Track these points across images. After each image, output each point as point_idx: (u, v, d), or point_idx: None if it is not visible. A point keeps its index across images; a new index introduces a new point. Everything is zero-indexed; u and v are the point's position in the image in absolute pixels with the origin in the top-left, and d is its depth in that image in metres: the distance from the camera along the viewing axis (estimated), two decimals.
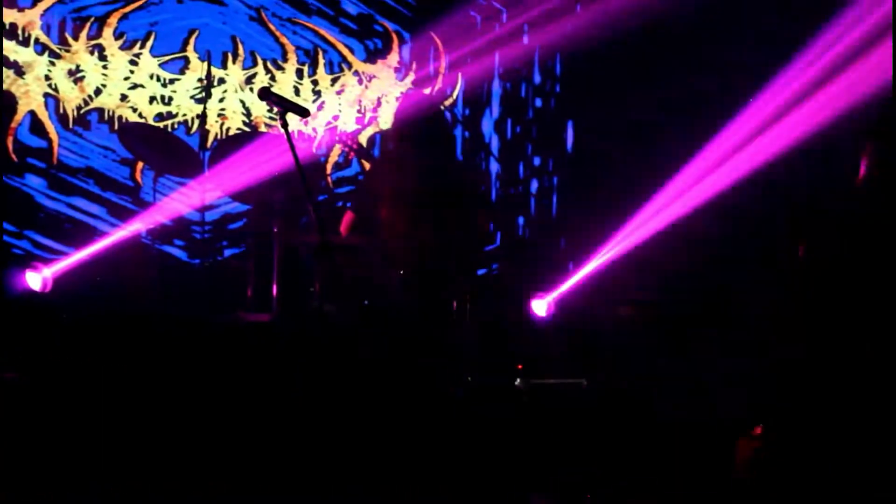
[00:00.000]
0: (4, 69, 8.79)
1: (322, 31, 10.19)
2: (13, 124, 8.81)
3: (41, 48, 8.93)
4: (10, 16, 8.79)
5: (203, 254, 7.93)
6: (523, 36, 11.33)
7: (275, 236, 7.89)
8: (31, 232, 8.87)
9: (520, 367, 8.76)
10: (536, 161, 11.35)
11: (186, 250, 9.39)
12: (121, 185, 9.25)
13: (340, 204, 8.50)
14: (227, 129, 9.65)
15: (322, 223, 5.76)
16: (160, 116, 9.38)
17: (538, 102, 11.42)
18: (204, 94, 8.35)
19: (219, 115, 9.64)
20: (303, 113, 5.90)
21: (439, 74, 9.04)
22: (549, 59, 11.47)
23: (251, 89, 9.79)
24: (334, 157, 9.02)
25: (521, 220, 11.08)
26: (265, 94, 5.81)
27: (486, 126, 11.02)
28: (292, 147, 5.68)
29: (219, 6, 9.68)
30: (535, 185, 11.18)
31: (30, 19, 8.88)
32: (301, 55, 10.10)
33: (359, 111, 10.39)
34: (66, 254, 8.84)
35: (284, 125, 5.66)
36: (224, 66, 9.68)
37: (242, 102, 9.78)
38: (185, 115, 9.52)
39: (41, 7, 8.93)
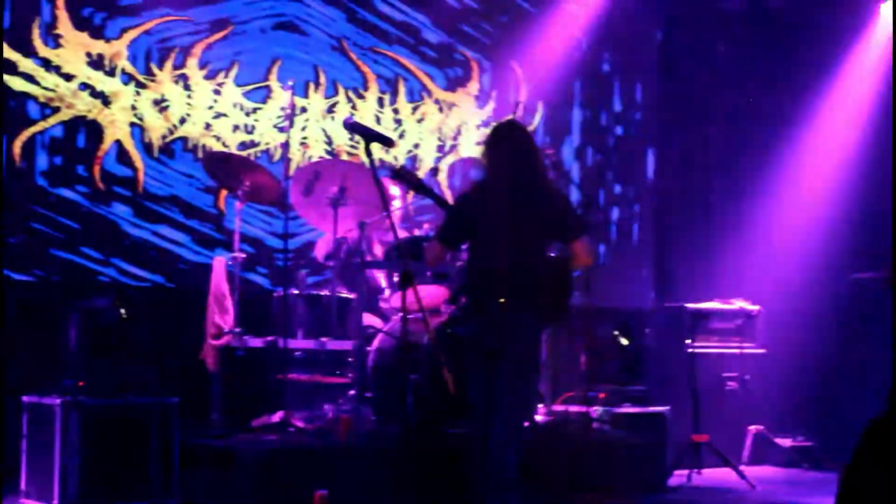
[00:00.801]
0: (92, 99, 8.92)
1: (403, 60, 10.25)
2: (100, 153, 8.92)
3: (127, 78, 9.05)
4: (97, 47, 8.92)
5: (284, 281, 7.95)
6: (603, 64, 11.32)
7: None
8: (117, 259, 8.97)
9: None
10: (617, 189, 11.31)
11: (269, 278, 9.45)
12: (204, 212, 9.33)
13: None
14: (309, 158, 9.71)
15: (405, 251, 5.77)
16: (243, 145, 9.47)
17: (619, 130, 11.39)
18: (286, 122, 8.39)
19: (301, 144, 9.71)
20: (388, 143, 5.92)
21: (520, 103, 9.03)
22: (629, 87, 11.44)
23: (332, 118, 9.86)
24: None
25: (602, 248, 11.04)
26: (352, 127, 5.83)
27: (567, 154, 11.00)
28: (375, 175, 5.69)
29: (301, 36, 9.77)
30: (615, 212, 11.14)
31: (116, 50, 9.00)
32: (382, 84, 10.15)
33: (439, 139, 10.43)
34: (151, 281, 8.96)
35: (369, 154, 5.66)
36: (306, 95, 9.76)
37: (324, 130, 9.84)
38: (267, 143, 9.60)
39: (128, 38, 9.05)
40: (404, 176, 6.80)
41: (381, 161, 9.89)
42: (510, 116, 7.11)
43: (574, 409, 9.13)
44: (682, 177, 11.49)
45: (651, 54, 11.49)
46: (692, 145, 11.54)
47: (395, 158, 10.12)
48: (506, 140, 6.76)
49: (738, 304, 10.37)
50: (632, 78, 11.47)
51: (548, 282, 6.66)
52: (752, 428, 9.88)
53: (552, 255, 6.81)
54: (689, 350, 9.71)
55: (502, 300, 6.51)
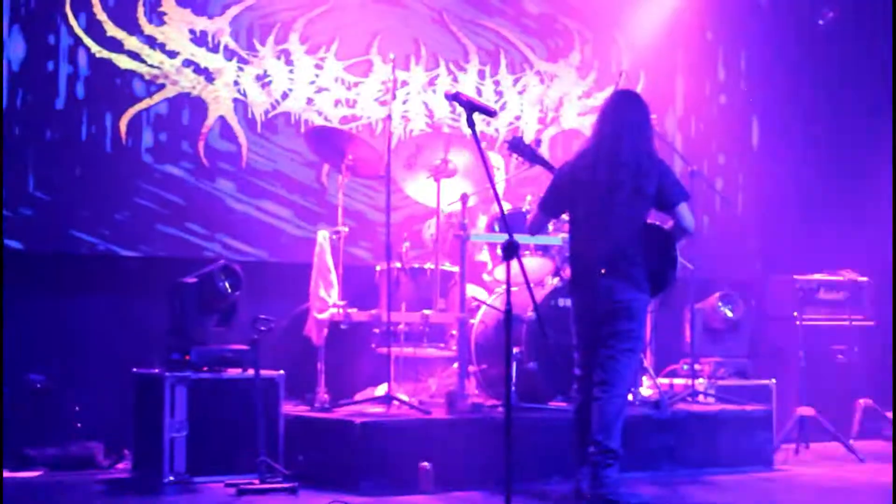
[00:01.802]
0: (196, 75, 8.99)
1: (503, 31, 10.18)
2: (204, 129, 9.00)
3: (230, 54, 9.10)
4: (200, 23, 8.99)
5: (388, 256, 7.96)
6: (707, 32, 11.16)
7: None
8: (222, 234, 9.04)
9: None
10: (721, 159, 11.16)
11: (370, 252, 9.47)
12: (307, 187, 9.37)
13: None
14: (411, 131, 9.71)
15: (506, 222, 5.73)
16: (345, 119, 9.49)
17: (723, 99, 11.23)
18: (388, 96, 8.40)
19: (402, 117, 9.71)
20: (490, 113, 5.88)
21: (623, 73, 8.93)
22: (733, 56, 11.28)
23: (433, 91, 9.84)
24: None
25: (706, 219, 10.91)
26: (454, 96, 5.80)
27: (671, 123, 10.88)
28: (479, 147, 5.66)
29: (401, 9, 9.75)
30: (720, 182, 10.99)
31: (219, 26, 9.06)
32: (483, 56, 10.10)
33: (541, 111, 10.36)
34: (255, 256, 9.03)
35: (471, 125, 5.63)
36: (407, 69, 9.75)
37: (425, 104, 9.83)
38: (369, 117, 9.61)
39: (230, 14, 9.10)
40: (521, 148, 6.77)
41: (483, 133, 9.85)
42: (622, 86, 7.02)
43: (679, 381, 9.08)
44: (788, 147, 11.31)
45: (756, 22, 11.30)
46: (797, 115, 11.36)
47: (497, 130, 10.08)
48: (607, 108, 6.73)
49: (846, 275, 10.22)
50: (736, 46, 11.29)
51: (650, 252, 6.60)
52: (861, 401, 9.72)
53: (654, 224, 6.73)
54: (797, 322, 9.58)
55: (603, 271, 6.49)
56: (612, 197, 6.51)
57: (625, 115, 6.64)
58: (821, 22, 11.12)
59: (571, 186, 6.63)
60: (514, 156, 6.94)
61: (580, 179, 6.59)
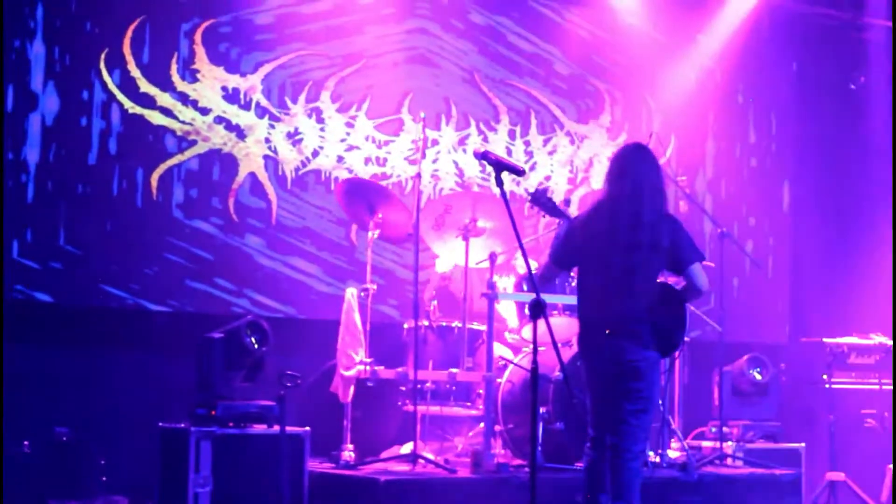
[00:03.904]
0: (227, 132, 9.05)
1: (534, 92, 10.23)
2: (235, 185, 9.05)
3: (262, 112, 9.17)
4: (232, 81, 9.06)
5: (415, 313, 7.97)
6: (738, 95, 11.18)
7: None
8: (250, 290, 9.07)
9: None
10: (752, 221, 11.14)
11: (398, 310, 9.47)
12: (336, 244, 9.40)
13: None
14: (441, 190, 9.73)
15: (533, 281, 5.72)
16: (375, 177, 9.52)
17: (754, 162, 11.23)
18: (418, 155, 8.43)
19: (432, 176, 9.74)
20: (518, 172, 5.89)
21: (653, 134, 8.94)
22: (764, 118, 11.29)
23: (464, 150, 9.87)
24: None
25: (736, 282, 10.88)
26: (482, 155, 5.82)
27: (700, 185, 10.87)
28: (507, 205, 5.66)
29: (432, 68, 9.81)
30: (750, 245, 10.96)
31: (251, 84, 9.13)
32: (513, 116, 10.14)
33: (570, 171, 10.38)
34: (283, 312, 9.04)
35: (500, 184, 5.64)
36: (438, 128, 9.79)
37: (455, 163, 9.86)
38: (399, 175, 9.65)
39: (262, 72, 9.18)
40: (543, 201, 6.75)
41: (513, 193, 9.86)
42: (638, 142, 7.01)
43: (707, 444, 9.01)
44: (818, 209, 11.29)
45: (787, 85, 11.32)
46: (828, 178, 11.34)
47: (526, 191, 10.09)
48: (624, 164, 6.67)
49: (876, 339, 10.15)
50: (767, 109, 11.30)
51: (661, 311, 6.56)
52: (891, 467, 9.62)
53: (666, 283, 6.71)
54: (826, 385, 9.51)
55: (608, 331, 6.44)
56: (631, 257, 6.46)
57: (642, 173, 6.58)
58: (853, 86, 11.13)
59: (584, 242, 6.57)
60: (538, 210, 6.89)
61: (596, 237, 6.53)
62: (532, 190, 7.01)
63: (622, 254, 6.47)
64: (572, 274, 7.13)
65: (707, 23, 10.88)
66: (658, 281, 6.63)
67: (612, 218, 6.52)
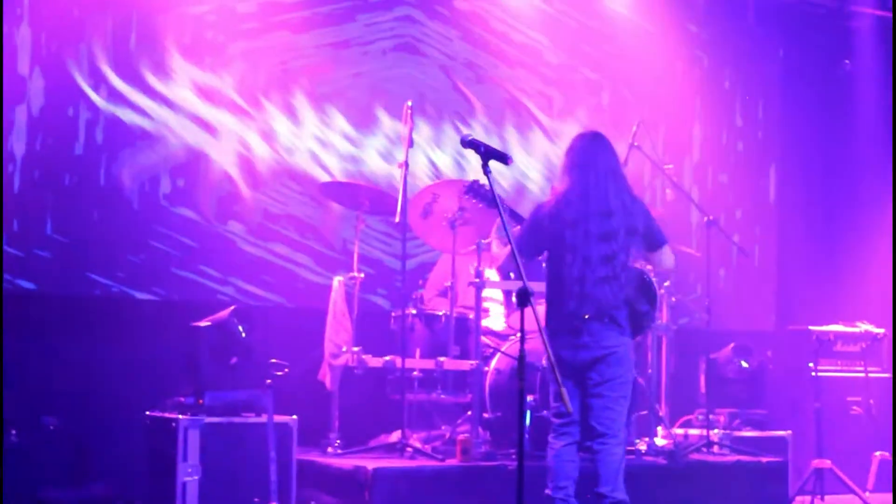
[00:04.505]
0: (201, 130, 9.02)
1: (511, 87, 10.20)
2: (214, 179, 9.01)
3: (235, 110, 9.12)
4: (205, 78, 9.04)
5: (403, 303, 7.97)
6: (724, 81, 11.19)
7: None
8: (236, 278, 9.06)
9: None
10: (738, 208, 11.16)
11: (388, 299, 9.48)
12: (322, 234, 9.39)
13: None
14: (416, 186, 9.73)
15: (521, 270, 5.71)
16: (349, 175, 9.47)
17: (740, 148, 11.24)
18: (406, 144, 8.43)
19: (400, 168, 9.71)
20: (506, 160, 5.88)
21: (639, 122, 8.94)
22: (751, 104, 11.30)
23: (439, 147, 9.85)
24: None
25: (722, 270, 10.90)
26: (470, 142, 5.80)
27: (687, 172, 10.89)
28: (493, 193, 5.65)
29: (408, 66, 9.77)
30: (736, 233, 10.98)
31: (225, 82, 9.08)
32: (489, 111, 10.10)
33: (546, 168, 10.34)
34: (270, 301, 9.03)
35: (487, 172, 5.63)
36: (413, 122, 9.75)
37: (429, 158, 9.83)
38: (373, 172, 9.60)
39: (236, 70, 9.12)
40: (478, 191, 6.74)
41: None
42: (592, 129, 7.07)
43: (693, 432, 9.04)
44: (805, 197, 11.31)
45: (773, 71, 11.33)
46: (815, 164, 11.36)
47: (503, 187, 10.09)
48: (583, 154, 6.72)
49: (862, 326, 10.18)
50: (754, 95, 11.31)
51: (637, 294, 6.62)
52: (878, 454, 9.66)
53: (635, 267, 6.75)
54: (812, 373, 9.54)
55: (587, 316, 6.46)
56: (609, 245, 6.49)
57: (602, 162, 6.63)
58: (847, 62, 11.14)
59: (556, 232, 6.57)
60: (476, 201, 6.89)
61: (568, 227, 6.53)
62: (467, 183, 7.09)
63: (599, 243, 6.50)
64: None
65: (694, 10, 10.89)
66: (626, 263, 6.66)
67: (580, 208, 6.55)
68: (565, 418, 6.56)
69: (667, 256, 6.78)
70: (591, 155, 6.68)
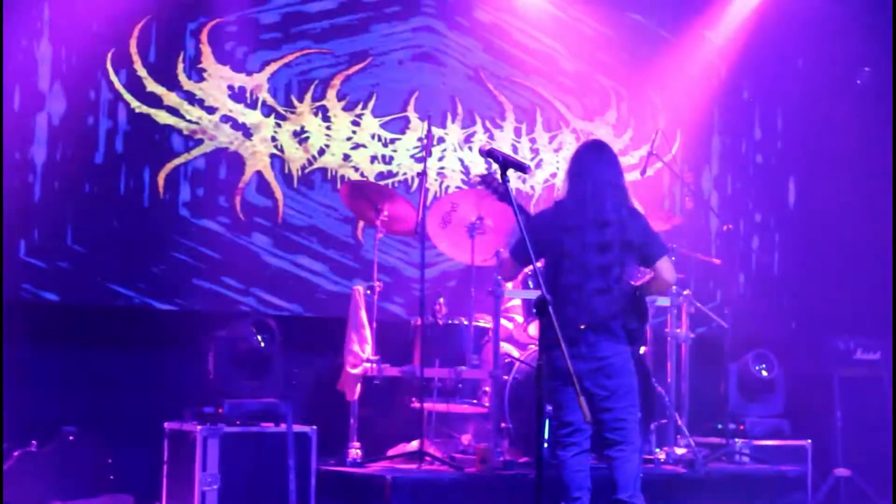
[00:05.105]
0: (233, 131, 9.06)
1: (539, 90, 10.22)
2: (241, 184, 9.06)
3: (268, 110, 9.18)
4: (238, 80, 9.08)
5: (421, 310, 8.00)
6: (743, 91, 11.17)
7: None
8: (257, 289, 9.08)
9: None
10: (758, 218, 11.13)
11: (405, 307, 9.48)
12: (343, 242, 9.41)
13: None
14: (447, 188, 9.74)
15: (538, 278, 5.72)
16: (381, 175, 9.53)
17: (759, 158, 11.22)
18: (424, 153, 8.46)
19: (438, 174, 9.74)
20: (524, 169, 5.88)
21: (658, 131, 8.95)
22: (770, 114, 11.28)
23: (470, 148, 9.88)
24: None
25: (742, 278, 10.88)
26: (487, 152, 5.81)
27: (706, 182, 10.87)
28: (512, 202, 5.66)
29: (438, 66, 9.81)
30: (756, 242, 10.97)
31: (258, 83, 9.14)
32: (519, 113, 10.14)
33: None
34: (289, 310, 9.05)
35: (505, 181, 5.64)
36: (444, 126, 9.79)
37: (461, 161, 9.86)
38: (405, 173, 9.65)
39: (268, 71, 9.19)
40: (492, 183, 6.75)
41: (518, 191, 9.86)
42: (597, 139, 7.06)
43: (714, 440, 9.02)
44: (825, 206, 11.27)
45: (793, 81, 11.30)
46: (835, 174, 11.32)
47: (532, 188, 10.11)
48: (582, 164, 6.74)
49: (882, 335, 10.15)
50: (773, 105, 11.29)
51: (627, 309, 6.62)
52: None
53: (629, 280, 6.74)
54: (833, 382, 9.50)
55: (582, 326, 6.46)
56: (605, 256, 6.50)
57: (601, 172, 6.64)
58: (858, 81, 11.10)
59: (552, 240, 6.55)
60: (489, 192, 6.87)
61: (566, 235, 6.54)
62: (482, 172, 7.05)
63: (595, 253, 6.52)
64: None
65: (713, 19, 10.87)
66: (624, 275, 6.66)
67: (577, 217, 6.56)
68: (568, 428, 6.56)
69: (667, 269, 6.75)
70: (591, 165, 6.71)
